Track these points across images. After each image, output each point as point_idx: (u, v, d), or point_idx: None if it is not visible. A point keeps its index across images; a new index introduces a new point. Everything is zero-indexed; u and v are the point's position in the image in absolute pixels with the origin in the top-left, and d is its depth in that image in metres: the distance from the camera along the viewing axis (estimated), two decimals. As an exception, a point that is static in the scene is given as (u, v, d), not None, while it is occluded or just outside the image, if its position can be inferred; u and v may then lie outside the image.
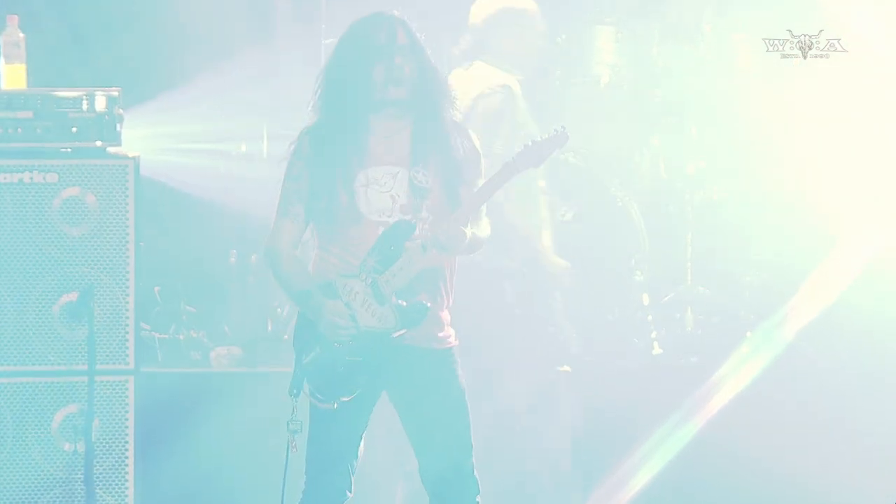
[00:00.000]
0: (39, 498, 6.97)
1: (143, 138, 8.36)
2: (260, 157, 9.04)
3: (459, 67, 7.64)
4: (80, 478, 6.85)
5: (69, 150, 7.05)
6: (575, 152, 8.88)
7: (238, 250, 8.98)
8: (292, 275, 5.97)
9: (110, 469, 7.01)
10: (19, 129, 7.01)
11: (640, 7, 9.31)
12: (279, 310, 8.55)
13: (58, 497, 6.97)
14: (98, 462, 6.94)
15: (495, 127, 7.35)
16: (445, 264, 6.02)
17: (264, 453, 7.13)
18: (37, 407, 6.97)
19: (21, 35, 7.13)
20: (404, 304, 5.85)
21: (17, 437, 6.96)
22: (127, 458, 7.03)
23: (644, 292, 8.76)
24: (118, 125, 7.06)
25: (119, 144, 7.08)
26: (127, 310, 7.01)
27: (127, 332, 7.02)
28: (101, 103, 7.06)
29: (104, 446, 7.00)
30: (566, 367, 8.01)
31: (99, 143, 7.05)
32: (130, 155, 7.08)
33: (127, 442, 7.03)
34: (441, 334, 6.01)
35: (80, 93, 7.06)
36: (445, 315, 6.03)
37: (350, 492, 6.02)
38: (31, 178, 6.99)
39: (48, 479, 6.97)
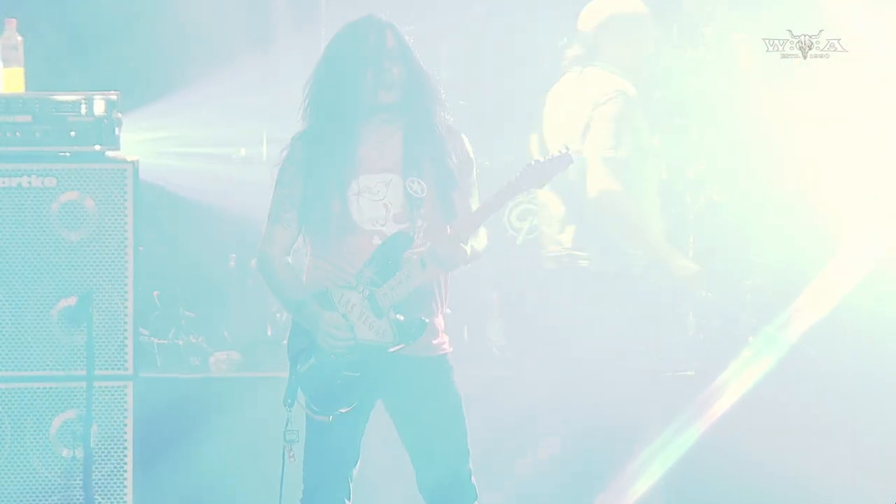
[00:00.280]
0: (38, 504, 6.98)
1: (142, 142, 8.37)
2: (259, 161, 9.02)
3: (572, 72, 7.58)
4: (78, 484, 6.86)
5: (68, 154, 7.05)
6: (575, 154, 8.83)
7: (237, 254, 8.96)
8: (286, 283, 5.94)
9: (109, 475, 7.00)
10: (18, 133, 7.01)
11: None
12: (278, 314, 8.53)
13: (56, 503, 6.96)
14: (97, 468, 6.94)
15: (618, 133, 7.27)
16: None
17: (264, 459, 7.08)
18: (35, 412, 6.97)
19: (19, 38, 7.14)
20: (402, 319, 5.82)
21: (15, 443, 6.95)
22: (126, 464, 7.02)
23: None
24: (117, 129, 7.06)
25: (118, 148, 7.08)
26: (126, 315, 7.01)
27: (126, 338, 7.01)
28: (99, 107, 7.05)
29: (103, 452, 6.99)
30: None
31: (98, 147, 7.05)
32: (129, 159, 7.08)
33: (126, 448, 7.02)
34: (435, 341, 5.97)
35: (78, 96, 7.06)
36: (440, 322, 6.00)
37: (349, 500, 5.99)
38: (30, 183, 6.99)
39: (46, 485, 6.96)
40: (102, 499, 6.97)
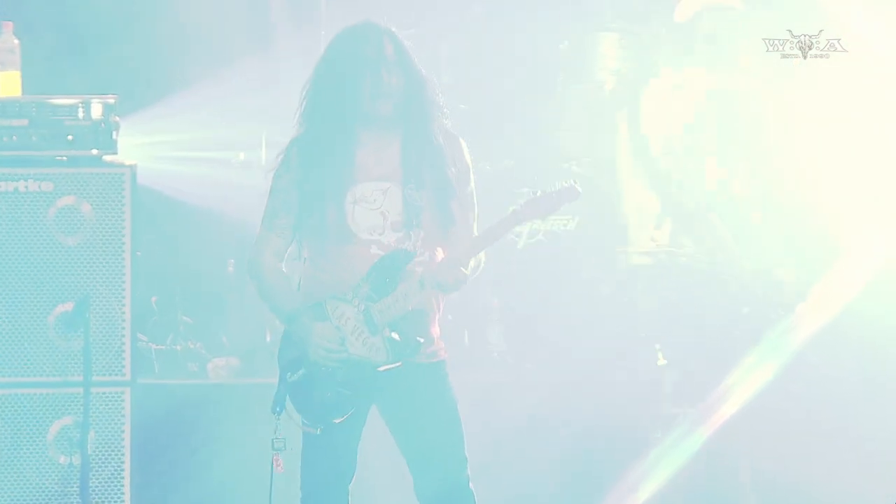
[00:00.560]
0: (35, 511, 6.96)
1: (140, 146, 8.36)
2: (258, 165, 9.01)
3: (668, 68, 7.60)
4: (75, 491, 6.83)
5: (65, 158, 7.03)
6: (577, 160, 8.83)
7: (236, 259, 8.95)
8: (277, 291, 5.92)
9: (106, 482, 6.98)
10: (14, 137, 7.00)
11: (644, 12, 9.27)
12: (278, 321, 8.50)
13: (53, 510, 6.95)
14: (94, 475, 6.92)
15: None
16: None
17: (262, 467, 7.04)
18: (31, 419, 6.94)
19: (16, 41, 7.12)
20: (397, 338, 5.80)
21: (12, 450, 6.93)
22: (123, 471, 7.00)
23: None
24: (114, 133, 7.04)
25: (115, 153, 7.06)
26: (123, 320, 6.99)
27: (123, 343, 6.99)
28: (97, 111, 7.03)
29: (100, 459, 6.96)
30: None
31: (95, 152, 7.04)
32: (127, 163, 7.06)
33: (123, 455, 7.00)
34: (431, 348, 5.94)
35: (76, 100, 7.04)
36: (435, 329, 5.96)
37: (347, 510, 5.98)
38: (27, 187, 6.97)
39: (43, 492, 6.94)
40: (100, 506, 6.97)
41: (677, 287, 8.85)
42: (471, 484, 5.94)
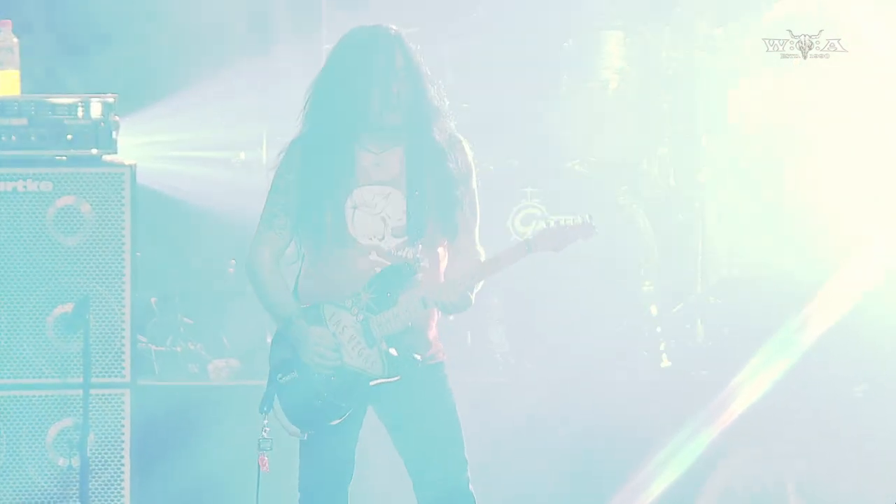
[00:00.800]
0: (34, 513, 6.95)
1: (140, 146, 8.34)
2: (259, 165, 9.01)
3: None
4: (75, 493, 6.81)
5: (64, 158, 7.01)
6: (582, 160, 8.82)
7: (236, 260, 8.94)
8: (273, 291, 5.89)
9: (106, 485, 6.97)
10: (13, 137, 6.99)
11: (649, 11, 9.26)
12: (279, 322, 8.51)
13: (53, 512, 6.94)
14: (93, 477, 6.91)
15: None
16: None
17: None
18: (31, 421, 6.93)
19: (15, 40, 7.11)
20: (395, 353, 5.77)
21: (11, 452, 6.93)
22: (123, 473, 7.00)
23: (653, 303, 8.71)
24: (114, 132, 7.03)
25: (115, 152, 7.05)
26: (123, 321, 6.97)
27: (123, 345, 6.98)
28: (96, 110, 7.02)
29: (100, 461, 6.96)
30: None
31: (94, 151, 7.03)
32: (127, 163, 7.06)
33: (123, 457, 6.99)
34: (430, 351, 5.91)
35: (75, 99, 7.03)
36: (433, 331, 5.94)
37: (347, 512, 5.95)
38: (26, 187, 6.97)
39: (42, 494, 6.94)
40: (99, 508, 6.95)
41: (681, 288, 8.86)
42: (471, 486, 5.91)
